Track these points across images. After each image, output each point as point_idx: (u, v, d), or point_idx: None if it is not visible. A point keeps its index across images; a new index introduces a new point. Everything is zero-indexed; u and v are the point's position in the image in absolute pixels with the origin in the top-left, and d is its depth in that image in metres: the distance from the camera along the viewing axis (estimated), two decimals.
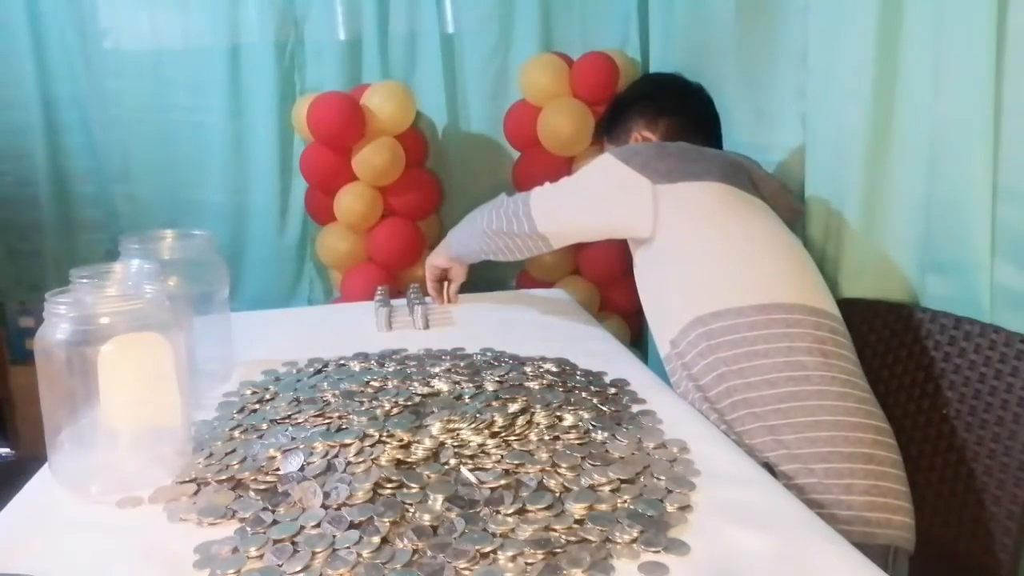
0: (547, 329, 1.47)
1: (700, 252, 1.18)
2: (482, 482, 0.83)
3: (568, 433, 0.94)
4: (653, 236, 1.21)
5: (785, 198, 1.38)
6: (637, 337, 2.59)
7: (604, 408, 1.02)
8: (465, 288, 1.72)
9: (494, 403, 1.01)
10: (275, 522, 0.77)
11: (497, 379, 1.09)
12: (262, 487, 0.84)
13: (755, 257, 1.17)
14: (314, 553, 0.72)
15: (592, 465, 0.86)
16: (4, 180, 2.57)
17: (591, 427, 0.95)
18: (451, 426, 0.94)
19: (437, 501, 0.80)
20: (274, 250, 2.74)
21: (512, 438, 0.92)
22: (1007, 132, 1.07)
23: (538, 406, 1.00)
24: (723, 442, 0.97)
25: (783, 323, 1.09)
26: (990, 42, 1.05)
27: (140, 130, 2.60)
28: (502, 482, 0.82)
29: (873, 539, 0.96)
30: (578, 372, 1.18)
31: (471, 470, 0.85)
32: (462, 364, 1.18)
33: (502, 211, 1.40)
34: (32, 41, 2.51)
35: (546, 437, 0.93)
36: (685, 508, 0.79)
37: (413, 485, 0.81)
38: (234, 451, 0.92)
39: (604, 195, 1.27)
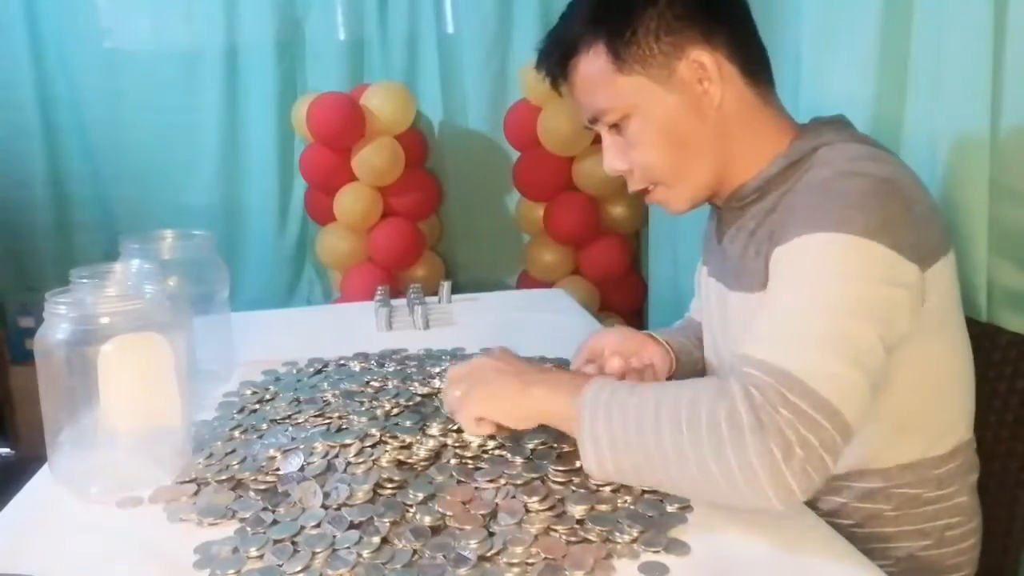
0: (547, 329, 1.46)
1: (957, 357, 0.92)
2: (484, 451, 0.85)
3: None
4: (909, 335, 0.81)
5: None
6: None
7: None
8: (465, 288, 1.72)
9: None
10: (275, 522, 0.77)
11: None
12: (262, 487, 0.84)
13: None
14: (314, 553, 0.72)
15: None
16: (3, 181, 2.57)
17: None
18: (452, 426, 0.94)
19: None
20: (273, 250, 2.74)
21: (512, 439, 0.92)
22: (1005, 132, 1.07)
23: None
24: None
25: (967, 469, 0.94)
26: (989, 42, 1.05)
27: (138, 131, 2.61)
28: (502, 482, 0.82)
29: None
30: None
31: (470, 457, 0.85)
32: None
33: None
34: (30, 42, 2.51)
35: (547, 438, 0.92)
36: (685, 508, 0.79)
37: (419, 493, 0.81)
38: (234, 451, 0.92)
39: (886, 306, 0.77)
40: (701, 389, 0.74)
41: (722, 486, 0.71)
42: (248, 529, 0.76)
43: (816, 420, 0.69)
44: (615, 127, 0.93)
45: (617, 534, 0.74)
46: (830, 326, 0.74)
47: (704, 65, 0.87)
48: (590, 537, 0.74)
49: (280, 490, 0.83)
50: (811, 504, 0.89)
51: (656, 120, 0.90)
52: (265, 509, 0.79)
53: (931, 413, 0.89)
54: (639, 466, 0.76)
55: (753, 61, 0.91)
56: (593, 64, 0.90)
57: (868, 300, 0.75)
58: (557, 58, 0.94)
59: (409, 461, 0.88)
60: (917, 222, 0.80)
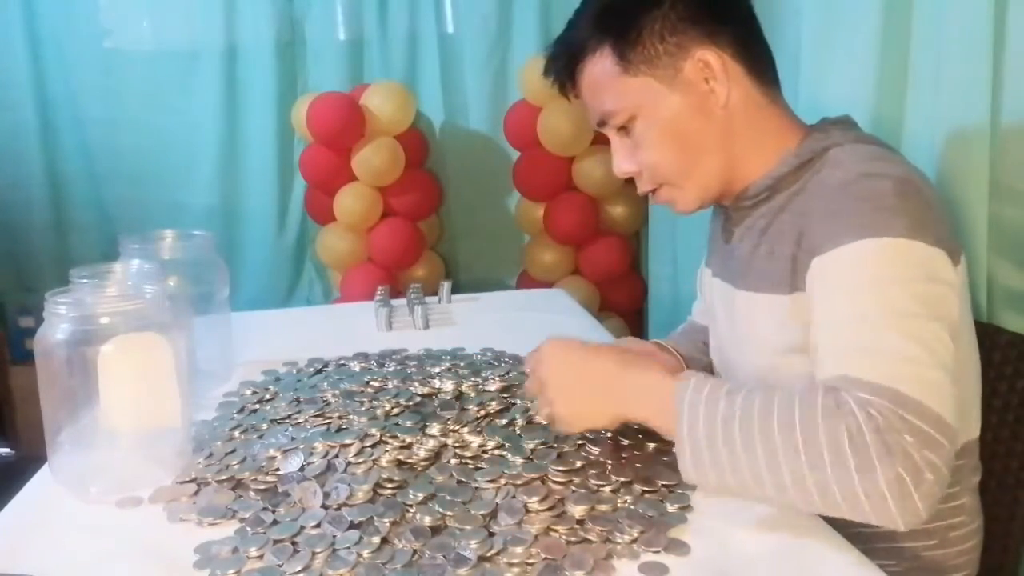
0: (547, 329, 1.46)
1: (966, 358, 0.91)
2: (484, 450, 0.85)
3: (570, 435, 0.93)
4: None
5: None
6: (637, 336, 2.58)
7: None
8: (465, 288, 1.72)
9: (494, 404, 1.01)
10: (275, 522, 0.77)
11: (498, 379, 1.09)
12: (262, 487, 0.84)
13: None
14: (314, 553, 0.72)
15: (592, 465, 0.86)
16: (1, 181, 2.57)
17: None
18: (452, 427, 0.94)
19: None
20: (273, 251, 2.74)
21: (512, 439, 0.92)
22: (1005, 132, 1.07)
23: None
24: None
25: (971, 469, 0.95)
26: (989, 42, 1.05)
27: (137, 131, 2.61)
28: (502, 482, 0.82)
29: None
30: None
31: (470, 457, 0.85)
32: (462, 364, 1.18)
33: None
34: (28, 41, 2.51)
35: (547, 437, 0.92)
36: (685, 508, 0.79)
37: (419, 493, 0.81)
38: (234, 451, 0.92)
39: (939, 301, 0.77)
40: (812, 405, 0.71)
41: (843, 506, 0.69)
42: (248, 529, 0.76)
43: (934, 438, 0.68)
44: (623, 129, 0.94)
45: (617, 534, 0.74)
46: (910, 333, 0.73)
47: (709, 64, 0.88)
48: (590, 537, 0.74)
49: (280, 490, 0.83)
50: None
51: (663, 120, 0.90)
52: (265, 509, 0.79)
53: (958, 410, 0.88)
54: (747, 484, 0.73)
55: (758, 61, 0.92)
56: (600, 66, 0.91)
57: (928, 298, 0.75)
58: (565, 62, 0.95)
59: (409, 461, 0.88)
60: (940, 220, 0.80)
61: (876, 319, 0.74)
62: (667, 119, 0.90)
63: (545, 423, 0.93)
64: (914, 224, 0.77)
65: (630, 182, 1.03)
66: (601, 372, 0.84)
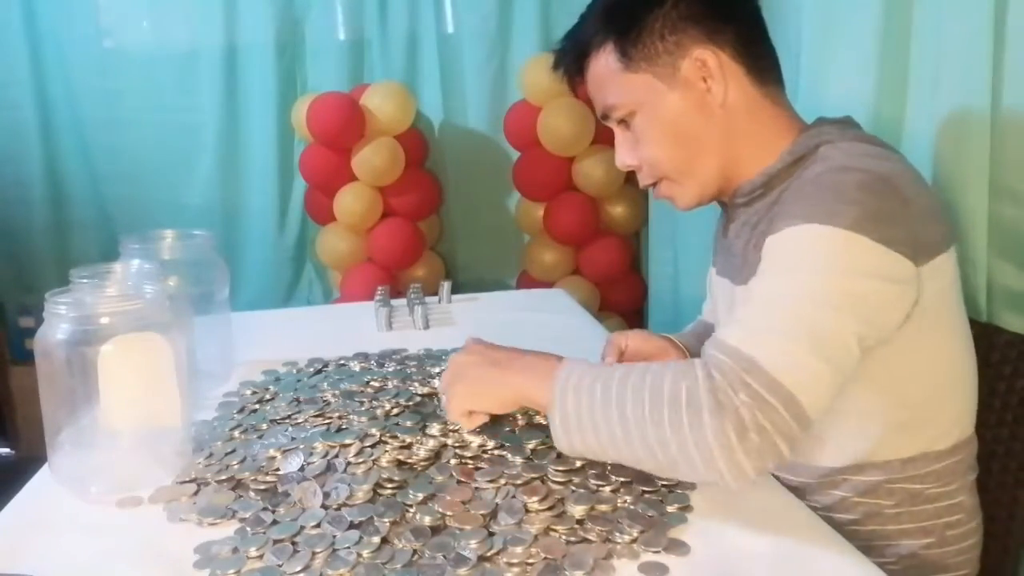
0: (547, 329, 1.47)
1: (958, 354, 0.92)
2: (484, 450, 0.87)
3: None
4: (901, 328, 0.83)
5: None
6: None
7: None
8: (465, 288, 1.72)
9: None
10: (275, 522, 0.77)
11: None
12: (262, 487, 0.84)
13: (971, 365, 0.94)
14: (314, 553, 0.72)
15: (592, 465, 0.86)
16: (1, 181, 2.57)
17: None
18: (452, 426, 0.94)
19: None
20: (273, 251, 2.74)
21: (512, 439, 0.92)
22: (1005, 132, 1.07)
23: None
24: None
25: (968, 467, 0.94)
26: (989, 41, 1.05)
27: (137, 131, 2.61)
28: (502, 482, 0.82)
29: None
30: None
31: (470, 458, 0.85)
32: None
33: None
34: (28, 41, 2.51)
35: (547, 437, 0.92)
36: (685, 508, 0.79)
37: (419, 493, 0.81)
38: (234, 451, 0.92)
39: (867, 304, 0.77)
40: (665, 368, 0.77)
41: (679, 461, 0.74)
42: (248, 529, 0.76)
43: (772, 405, 0.71)
44: (624, 123, 0.96)
45: (617, 534, 0.74)
46: (804, 316, 0.75)
47: (707, 63, 0.89)
48: (590, 537, 0.74)
49: (280, 490, 0.83)
50: (810, 498, 0.90)
51: (661, 117, 0.92)
52: (265, 509, 0.79)
53: (932, 408, 0.89)
54: (604, 443, 0.78)
55: (760, 60, 0.93)
56: (603, 62, 0.94)
57: (848, 294, 0.76)
58: (572, 57, 0.98)
59: (409, 461, 0.88)
60: (913, 218, 0.80)
61: (785, 299, 0.77)
62: (666, 116, 0.92)
63: (545, 422, 0.94)
64: (867, 218, 0.77)
65: (631, 181, 1.04)
66: (501, 358, 0.89)
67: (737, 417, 0.71)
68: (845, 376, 0.76)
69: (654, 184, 0.99)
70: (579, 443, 0.80)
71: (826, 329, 0.75)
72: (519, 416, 0.97)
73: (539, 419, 0.96)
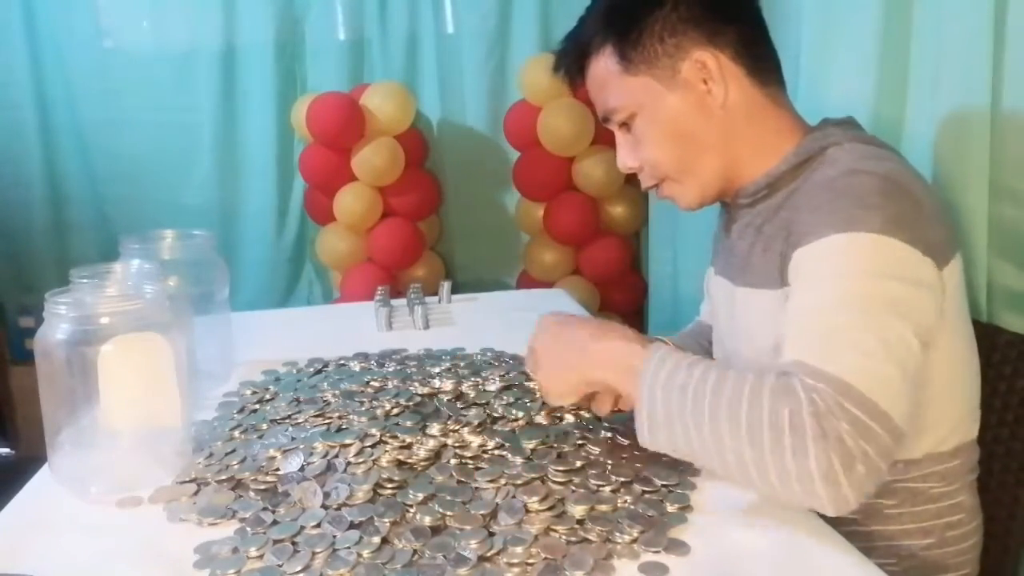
0: None
1: (964, 357, 0.92)
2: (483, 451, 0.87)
3: (570, 433, 0.93)
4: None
5: None
6: None
7: None
8: (465, 288, 1.72)
9: (494, 404, 1.01)
10: (275, 522, 0.77)
11: (498, 379, 1.09)
12: (262, 487, 0.84)
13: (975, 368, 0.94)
14: (314, 553, 0.72)
15: (592, 465, 0.86)
16: (1, 182, 2.57)
17: (591, 427, 0.95)
18: (452, 426, 0.95)
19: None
20: (272, 251, 2.74)
21: (512, 439, 0.92)
22: (1005, 132, 1.07)
23: (539, 406, 1.00)
24: None
25: (970, 468, 0.95)
26: (989, 42, 1.05)
27: (136, 131, 2.61)
28: (502, 483, 0.82)
29: None
30: None
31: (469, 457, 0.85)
32: (462, 364, 1.18)
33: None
34: (27, 42, 2.51)
35: (547, 437, 0.92)
36: (685, 508, 0.79)
37: (419, 493, 0.81)
38: (234, 451, 0.92)
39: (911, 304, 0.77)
40: (762, 384, 0.73)
41: (776, 486, 0.72)
42: (248, 529, 0.76)
43: (873, 429, 0.70)
44: (625, 125, 0.96)
45: (617, 534, 0.74)
46: (869, 327, 0.74)
47: (706, 65, 0.89)
48: (590, 537, 0.74)
49: (280, 490, 0.83)
50: None
51: (662, 118, 0.92)
52: (265, 509, 0.79)
53: (937, 411, 0.89)
54: (694, 449, 0.76)
55: (761, 62, 0.93)
56: (603, 64, 0.94)
57: (896, 297, 0.76)
58: (573, 58, 0.98)
59: (409, 461, 0.88)
60: (927, 219, 0.81)
61: (836, 309, 0.76)
62: (666, 118, 0.92)
63: (546, 422, 0.95)
64: (891, 221, 0.78)
65: (631, 181, 1.05)
66: (577, 338, 0.89)
67: (842, 447, 0.69)
68: (917, 378, 0.76)
69: (655, 186, 0.99)
70: (665, 444, 0.79)
71: (891, 335, 0.74)
72: (519, 416, 0.97)
73: (539, 419, 0.97)
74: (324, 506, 0.79)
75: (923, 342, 0.77)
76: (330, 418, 1.00)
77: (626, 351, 0.84)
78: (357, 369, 1.19)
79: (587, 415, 0.98)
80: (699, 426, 0.75)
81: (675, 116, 0.91)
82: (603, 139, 2.38)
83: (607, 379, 0.86)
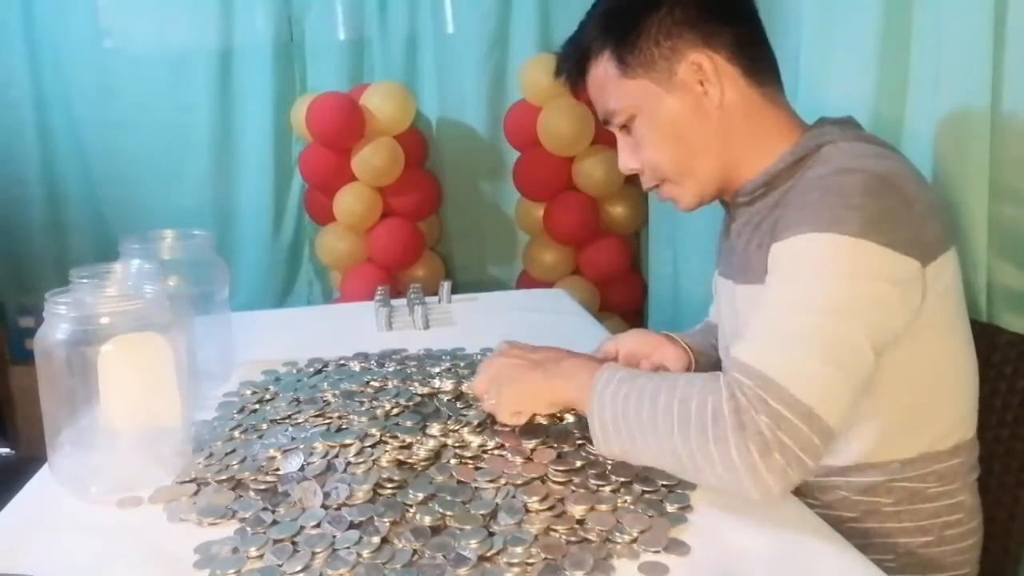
0: (547, 329, 1.47)
1: (960, 354, 0.92)
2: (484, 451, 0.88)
3: (570, 433, 0.93)
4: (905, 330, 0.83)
5: None
6: None
7: None
8: (465, 288, 1.72)
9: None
10: (275, 522, 0.77)
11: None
12: (262, 487, 0.84)
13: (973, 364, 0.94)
14: (314, 553, 0.72)
15: (592, 465, 0.86)
16: (1, 182, 2.57)
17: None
18: (452, 426, 0.95)
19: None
20: (269, 252, 2.74)
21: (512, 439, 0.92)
22: (1005, 132, 1.07)
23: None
24: None
25: (969, 467, 0.94)
26: (989, 42, 1.05)
27: (135, 131, 2.61)
28: (502, 482, 0.82)
29: None
30: None
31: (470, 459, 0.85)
32: (462, 364, 1.18)
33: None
34: (26, 42, 2.51)
35: (547, 437, 0.92)
36: (685, 508, 0.79)
37: (419, 493, 0.81)
38: (234, 451, 0.92)
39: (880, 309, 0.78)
40: (693, 385, 0.80)
41: (708, 475, 0.77)
42: (248, 529, 0.76)
43: (793, 423, 0.73)
44: (625, 127, 0.97)
45: (617, 534, 0.74)
46: (815, 327, 0.76)
47: (702, 67, 0.90)
48: (590, 537, 0.74)
49: (280, 490, 0.83)
50: (810, 495, 0.90)
51: (660, 120, 0.93)
52: (265, 509, 0.79)
53: (933, 409, 0.89)
54: (640, 450, 0.82)
55: (758, 62, 0.93)
56: (602, 68, 0.95)
57: (857, 300, 0.77)
58: (574, 62, 0.99)
59: (409, 461, 0.88)
60: (916, 218, 0.81)
61: (790, 309, 0.78)
62: (664, 120, 0.93)
63: (546, 422, 0.95)
64: (871, 222, 0.78)
65: (631, 181, 1.05)
66: (542, 361, 0.95)
67: (760, 437, 0.73)
68: (863, 382, 0.77)
69: (656, 187, 1.00)
70: (617, 450, 0.84)
71: (839, 337, 0.76)
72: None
73: (539, 419, 0.96)
74: (324, 506, 0.79)
75: (879, 346, 0.78)
76: (330, 418, 1.00)
77: (585, 371, 0.90)
78: (357, 369, 1.19)
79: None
80: (642, 428, 0.80)
81: (673, 118, 0.92)
82: (603, 139, 2.38)
83: (568, 397, 0.92)
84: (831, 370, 0.75)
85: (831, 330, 0.76)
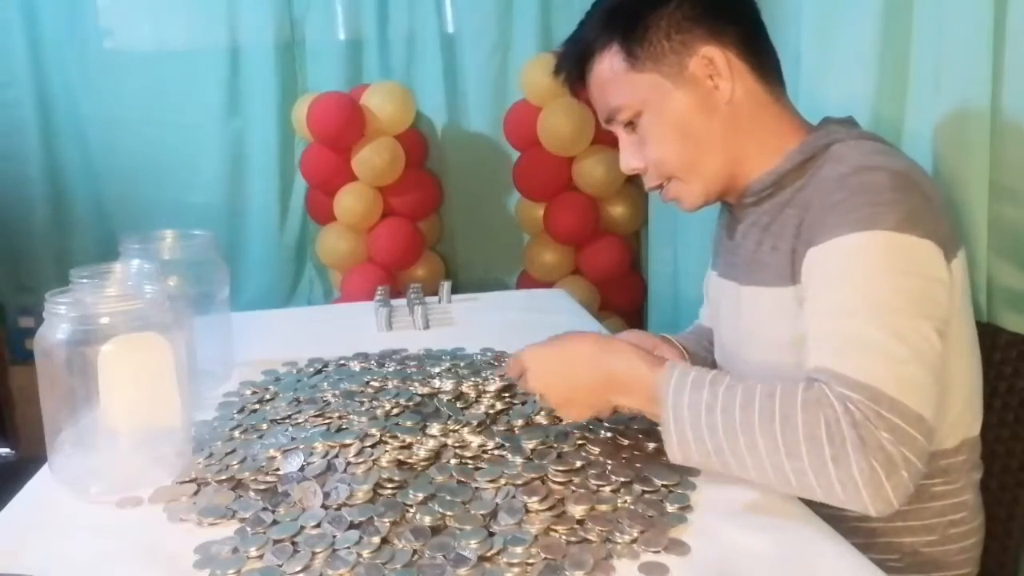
0: (547, 329, 1.46)
1: (967, 351, 0.92)
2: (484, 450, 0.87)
3: (570, 434, 0.93)
4: None
5: None
6: None
7: None
8: (465, 288, 1.72)
9: (495, 404, 1.01)
10: (275, 522, 0.77)
11: (498, 379, 1.09)
12: (262, 487, 0.84)
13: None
14: (314, 553, 0.72)
15: (592, 465, 0.86)
16: (1, 181, 2.57)
17: (591, 427, 0.95)
18: (452, 427, 0.95)
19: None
20: (274, 250, 2.74)
21: (512, 439, 0.92)
22: (1005, 132, 1.07)
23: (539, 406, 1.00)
24: None
25: (973, 466, 0.95)
26: (989, 42, 1.05)
27: (137, 131, 2.60)
28: (502, 482, 0.82)
29: None
30: None
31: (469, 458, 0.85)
32: (462, 364, 1.18)
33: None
34: (28, 41, 2.51)
35: (547, 437, 0.92)
36: (685, 508, 0.79)
37: (419, 493, 0.81)
38: (234, 451, 0.92)
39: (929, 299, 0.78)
40: (792, 396, 0.74)
41: (819, 493, 0.74)
42: (248, 529, 0.76)
43: (910, 434, 0.72)
44: (630, 125, 0.96)
45: (617, 534, 0.74)
46: (891, 328, 0.75)
47: (714, 61, 0.90)
48: (590, 537, 0.74)
49: (280, 490, 0.83)
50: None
51: (668, 115, 0.92)
52: (265, 509, 0.79)
53: (941, 405, 0.89)
54: (728, 464, 0.77)
55: (763, 60, 0.93)
56: (608, 63, 0.93)
57: (915, 293, 0.77)
58: (574, 60, 0.97)
59: (409, 461, 0.88)
60: (937, 214, 0.82)
61: (860, 312, 0.77)
62: (672, 114, 0.92)
63: (546, 422, 0.95)
64: (906, 218, 0.78)
65: (631, 181, 1.05)
66: (582, 382, 0.87)
67: (883, 454, 0.70)
68: (939, 373, 0.77)
69: (660, 187, 0.98)
70: (697, 461, 0.79)
71: (914, 334, 0.75)
72: (519, 417, 0.97)
73: (539, 419, 0.96)
74: (324, 506, 0.79)
75: (942, 335, 0.78)
76: (330, 418, 1.00)
77: (637, 373, 0.83)
78: (357, 369, 1.19)
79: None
80: (733, 444, 0.75)
81: (681, 112, 0.91)
82: (603, 139, 2.38)
83: (631, 404, 0.86)
84: (919, 368, 0.74)
85: (908, 330, 0.75)
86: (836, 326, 0.78)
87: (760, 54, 0.93)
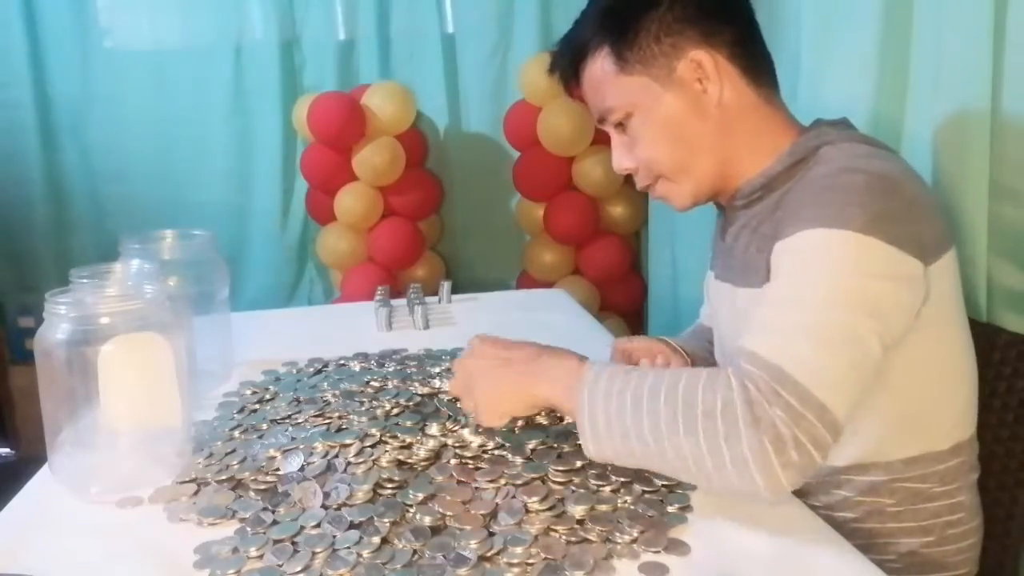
0: (547, 329, 1.47)
1: (960, 354, 0.92)
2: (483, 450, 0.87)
3: (570, 433, 0.93)
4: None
5: None
6: None
7: None
8: (465, 288, 1.72)
9: None
10: (275, 522, 0.77)
11: None
12: (262, 487, 0.84)
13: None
14: (314, 553, 0.72)
15: (592, 465, 0.86)
16: (1, 181, 2.57)
17: None
18: (452, 427, 0.95)
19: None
20: (275, 250, 2.74)
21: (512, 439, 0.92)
22: (1005, 132, 1.07)
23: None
24: None
25: (970, 467, 0.95)
26: (988, 42, 1.05)
27: (139, 130, 2.61)
28: (502, 483, 0.82)
29: None
30: None
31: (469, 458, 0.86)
32: None
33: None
34: (28, 41, 2.51)
35: (547, 437, 0.92)
36: (685, 508, 0.79)
37: (419, 493, 0.81)
38: (234, 451, 0.92)
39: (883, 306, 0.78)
40: (696, 378, 0.75)
41: (713, 474, 0.73)
42: (248, 529, 0.76)
43: (808, 419, 0.71)
44: (621, 126, 0.97)
45: (617, 534, 0.74)
46: (824, 320, 0.75)
47: (702, 64, 0.90)
48: (590, 537, 0.74)
49: (280, 490, 0.83)
50: (812, 497, 0.90)
51: (657, 117, 0.92)
52: (265, 509, 0.79)
53: (934, 408, 0.89)
54: (635, 451, 0.77)
55: (755, 62, 0.93)
56: (599, 65, 0.94)
57: (864, 295, 0.76)
58: (568, 60, 0.98)
59: (409, 461, 0.88)
60: (917, 217, 0.81)
61: (804, 304, 0.77)
62: (662, 117, 0.92)
63: (546, 422, 0.95)
64: (876, 219, 0.77)
65: (631, 181, 1.05)
66: (517, 359, 0.88)
67: (775, 432, 0.70)
68: (869, 378, 0.77)
69: (651, 185, 0.99)
70: (609, 450, 0.78)
71: (847, 330, 0.75)
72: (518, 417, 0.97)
73: (539, 419, 0.96)
74: (324, 506, 0.79)
75: (886, 342, 0.77)
76: (330, 418, 1.00)
77: (566, 368, 0.84)
78: (357, 369, 1.19)
79: None
80: (639, 426, 0.75)
81: (671, 115, 0.92)
82: (603, 139, 2.36)
83: (550, 397, 0.84)
84: (843, 366, 0.74)
85: (841, 325, 0.75)
86: (774, 314, 0.78)
87: (752, 56, 0.93)
